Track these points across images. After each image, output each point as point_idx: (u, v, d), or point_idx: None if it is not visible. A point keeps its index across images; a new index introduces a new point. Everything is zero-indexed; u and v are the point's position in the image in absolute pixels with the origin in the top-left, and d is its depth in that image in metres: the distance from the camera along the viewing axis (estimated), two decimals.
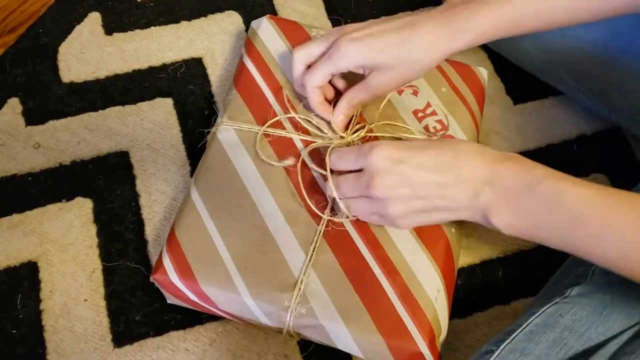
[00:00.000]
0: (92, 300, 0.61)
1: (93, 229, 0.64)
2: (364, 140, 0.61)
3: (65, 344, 0.59)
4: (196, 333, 0.60)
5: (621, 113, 0.66)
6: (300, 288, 0.54)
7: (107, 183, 0.67)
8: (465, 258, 0.65)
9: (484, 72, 0.69)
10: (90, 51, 0.75)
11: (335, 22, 0.78)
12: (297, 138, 0.61)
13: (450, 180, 0.50)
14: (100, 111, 0.71)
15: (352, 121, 0.63)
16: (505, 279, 0.65)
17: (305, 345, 0.60)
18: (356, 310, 0.54)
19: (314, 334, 0.55)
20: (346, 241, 0.57)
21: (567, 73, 0.68)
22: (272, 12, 0.78)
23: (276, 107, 0.63)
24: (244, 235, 0.56)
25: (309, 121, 0.62)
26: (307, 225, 0.57)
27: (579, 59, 0.66)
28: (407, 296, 0.55)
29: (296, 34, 0.68)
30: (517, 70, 0.74)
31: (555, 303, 0.53)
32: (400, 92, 0.65)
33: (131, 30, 0.76)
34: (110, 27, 0.76)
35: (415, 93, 0.65)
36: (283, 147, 0.61)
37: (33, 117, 0.70)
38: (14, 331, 0.60)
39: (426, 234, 0.58)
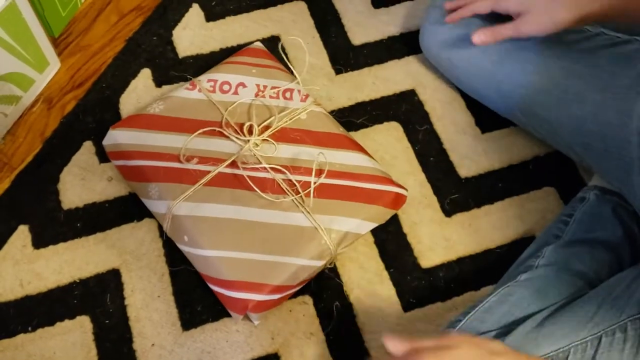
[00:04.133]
0: (164, 296, 0.80)
1: (160, 242, 0.84)
2: (271, 137, 0.84)
3: (146, 329, 0.79)
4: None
5: (561, 142, 0.85)
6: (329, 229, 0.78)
7: None
8: (445, 256, 0.85)
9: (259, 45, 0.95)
10: (145, 101, 0.94)
11: (338, 71, 0.98)
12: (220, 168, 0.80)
13: None
14: None
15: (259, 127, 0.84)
16: (476, 271, 0.84)
17: (325, 324, 0.79)
18: (356, 208, 0.80)
19: (347, 236, 0.80)
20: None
21: (520, 113, 0.87)
22: (287, 65, 0.98)
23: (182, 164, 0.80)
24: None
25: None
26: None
27: (529, 104, 0.85)
28: (368, 178, 0.82)
29: (141, 122, 0.84)
30: (484, 106, 0.94)
31: (508, 286, 0.73)
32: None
33: (176, 82, 0.96)
34: (159, 81, 0.96)
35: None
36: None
37: (105, 156, 0.89)
38: (107, 321, 0.79)
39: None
